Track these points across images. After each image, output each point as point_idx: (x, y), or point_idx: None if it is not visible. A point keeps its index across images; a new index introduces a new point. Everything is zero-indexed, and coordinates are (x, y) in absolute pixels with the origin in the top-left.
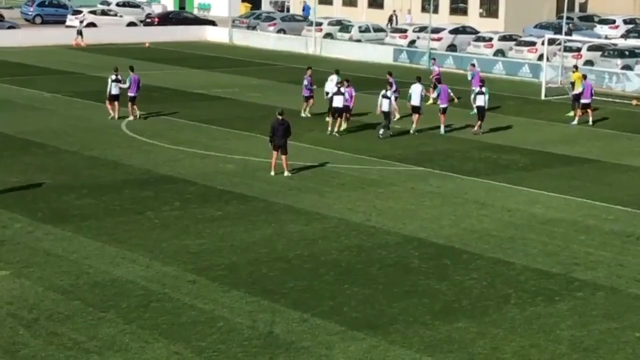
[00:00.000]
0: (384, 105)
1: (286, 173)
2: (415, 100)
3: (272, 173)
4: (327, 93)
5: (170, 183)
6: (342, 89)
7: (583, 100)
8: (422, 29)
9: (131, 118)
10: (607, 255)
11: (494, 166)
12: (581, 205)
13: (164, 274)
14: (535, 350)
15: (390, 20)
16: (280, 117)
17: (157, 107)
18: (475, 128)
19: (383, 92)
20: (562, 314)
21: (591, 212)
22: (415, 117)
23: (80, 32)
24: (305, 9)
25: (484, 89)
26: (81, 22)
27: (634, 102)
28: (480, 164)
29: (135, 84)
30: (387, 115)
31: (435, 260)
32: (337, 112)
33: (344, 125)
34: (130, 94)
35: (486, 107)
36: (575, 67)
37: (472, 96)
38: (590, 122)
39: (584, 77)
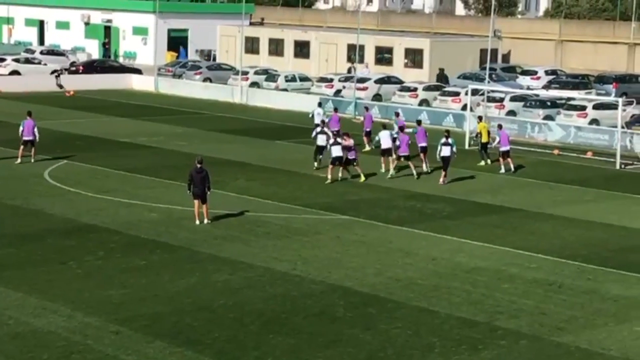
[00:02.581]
0: (444, 151)
1: (206, 221)
2: (386, 144)
3: (197, 222)
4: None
5: (94, 232)
6: (338, 139)
7: (502, 148)
8: (348, 78)
9: (19, 161)
10: (529, 304)
11: (418, 215)
12: (504, 254)
13: (86, 324)
14: None
15: (349, 71)
16: (199, 166)
17: (81, 156)
18: (441, 179)
19: (443, 140)
20: None
21: (514, 260)
22: (390, 159)
23: None
24: (181, 54)
25: (450, 140)
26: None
27: (556, 151)
28: (405, 212)
29: (30, 128)
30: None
31: (360, 309)
32: (337, 162)
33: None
34: (25, 138)
35: (452, 157)
36: (480, 117)
37: (439, 147)
38: (512, 169)
39: (499, 126)
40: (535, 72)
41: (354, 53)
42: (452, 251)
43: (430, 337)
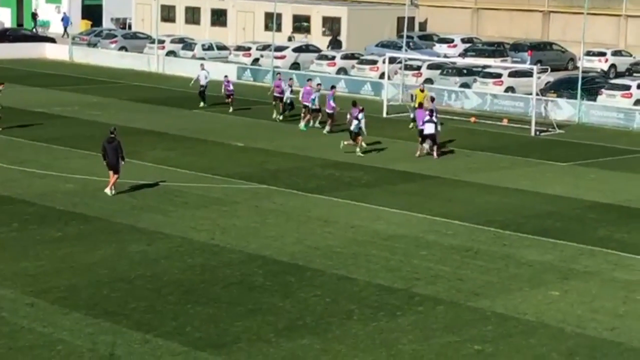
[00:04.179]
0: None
1: (109, 191)
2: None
3: (108, 192)
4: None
5: (8, 204)
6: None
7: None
8: (266, 47)
9: None
10: (447, 270)
11: (337, 183)
12: (422, 221)
13: (0, 296)
14: None
15: (289, 40)
16: (111, 136)
17: None
18: (433, 153)
19: (427, 117)
20: (404, 329)
21: (432, 227)
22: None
23: None
24: (65, 19)
25: (434, 118)
26: None
27: (472, 119)
28: (324, 181)
29: None
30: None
31: (279, 277)
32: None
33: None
34: None
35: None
36: (422, 88)
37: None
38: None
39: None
40: (452, 40)
41: (271, 21)
42: (370, 219)
43: (349, 304)
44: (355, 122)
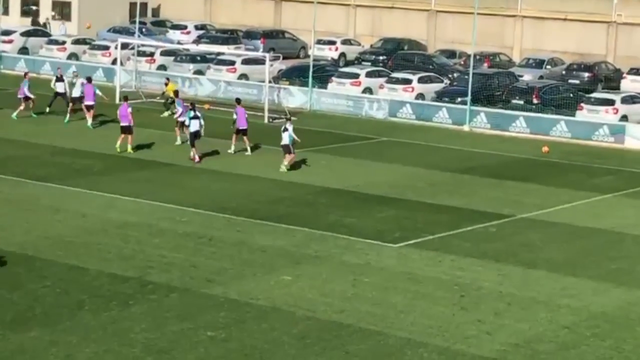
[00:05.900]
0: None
1: None
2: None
3: None
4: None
5: None
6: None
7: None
8: None
9: None
10: (180, 257)
11: (68, 171)
12: (155, 209)
13: None
14: (110, 355)
15: (44, 26)
16: None
17: None
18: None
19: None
20: (136, 317)
21: (165, 214)
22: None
23: None
24: None
25: (198, 114)
26: None
27: (207, 106)
28: (54, 168)
29: None
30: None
31: (6, 269)
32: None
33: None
34: None
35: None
36: (167, 79)
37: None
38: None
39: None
40: (185, 27)
41: None
42: (103, 207)
43: (80, 294)
44: (285, 134)
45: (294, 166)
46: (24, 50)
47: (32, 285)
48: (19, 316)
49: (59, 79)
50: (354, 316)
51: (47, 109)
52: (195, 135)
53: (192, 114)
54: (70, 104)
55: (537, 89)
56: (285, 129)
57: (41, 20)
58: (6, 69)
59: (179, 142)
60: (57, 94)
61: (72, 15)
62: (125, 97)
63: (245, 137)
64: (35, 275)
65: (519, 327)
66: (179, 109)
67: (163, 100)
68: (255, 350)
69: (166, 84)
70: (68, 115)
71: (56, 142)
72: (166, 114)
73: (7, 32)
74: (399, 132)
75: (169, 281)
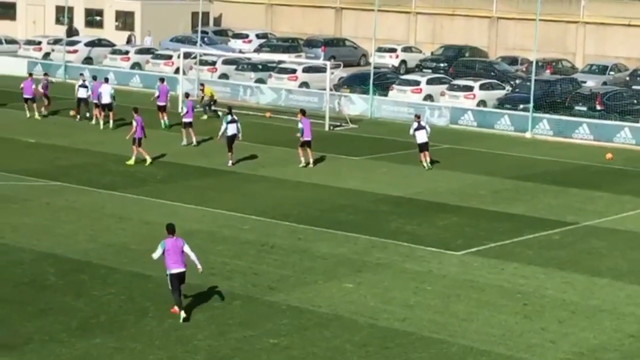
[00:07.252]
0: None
1: None
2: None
3: None
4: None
5: None
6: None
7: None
8: (57, 41)
9: None
10: (242, 265)
11: (131, 179)
12: (218, 216)
13: None
14: None
15: (129, 41)
16: None
17: None
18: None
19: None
20: (200, 324)
21: (227, 222)
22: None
23: None
24: None
25: (236, 117)
26: None
27: (268, 114)
28: (117, 177)
29: None
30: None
31: (71, 276)
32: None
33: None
34: None
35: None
36: (202, 84)
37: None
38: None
39: (186, 95)
40: (247, 36)
41: (63, 15)
42: (166, 215)
43: (145, 301)
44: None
45: (353, 174)
46: (88, 60)
47: (97, 292)
48: (84, 323)
49: (83, 85)
50: (415, 324)
51: (87, 116)
52: (233, 139)
53: (229, 118)
54: (98, 109)
55: (600, 95)
56: (422, 127)
57: (79, 28)
58: (71, 79)
59: (184, 142)
60: (79, 99)
61: (135, 25)
62: (135, 109)
63: (309, 150)
64: (100, 282)
65: (583, 336)
66: (185, 109)
67: (203, 107)
68: (317, 357)
69: (202, 89)
70: (101, 122)
71: (119, 151)
72: (205, 116)
73: (72, 43)
74: (460, 139)
75: (232, 289)
